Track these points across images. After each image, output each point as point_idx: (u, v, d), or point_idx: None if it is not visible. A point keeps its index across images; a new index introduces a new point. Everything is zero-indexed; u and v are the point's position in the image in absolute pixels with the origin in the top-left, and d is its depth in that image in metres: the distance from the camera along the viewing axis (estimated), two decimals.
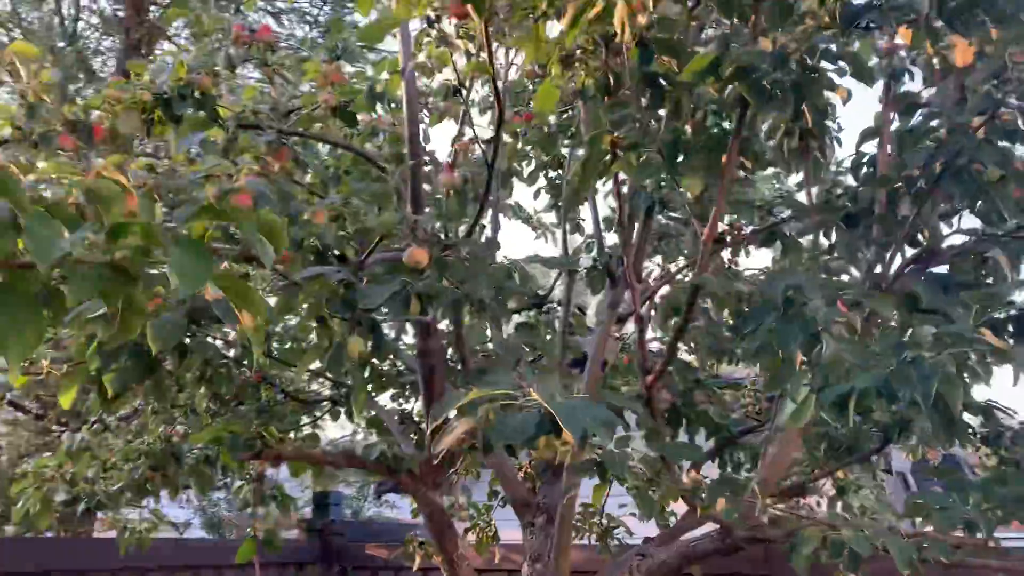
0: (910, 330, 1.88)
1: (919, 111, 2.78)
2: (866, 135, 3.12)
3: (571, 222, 4.16)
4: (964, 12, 2.21)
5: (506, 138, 3.91)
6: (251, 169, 2.77)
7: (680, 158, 2.48)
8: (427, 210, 3.15)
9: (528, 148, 4.03)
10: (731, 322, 3.09)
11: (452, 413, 1.72)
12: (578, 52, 2.92)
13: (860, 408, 1.83)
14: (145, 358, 2.01)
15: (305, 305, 2.48)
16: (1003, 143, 2.45)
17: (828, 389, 1.86)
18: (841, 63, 2.24)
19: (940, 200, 2.59)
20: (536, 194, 4.59)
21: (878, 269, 2.99)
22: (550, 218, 4.73)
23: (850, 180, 3.25)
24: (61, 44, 7.44)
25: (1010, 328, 3.47)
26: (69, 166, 2.46)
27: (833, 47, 2.21)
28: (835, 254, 3.12)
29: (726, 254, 4.21)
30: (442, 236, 2.56)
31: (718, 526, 2.96)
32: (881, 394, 1.79)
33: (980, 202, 2.55)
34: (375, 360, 2.53)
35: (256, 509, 4.68)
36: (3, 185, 0.80)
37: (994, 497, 2.49)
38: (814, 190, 3.20)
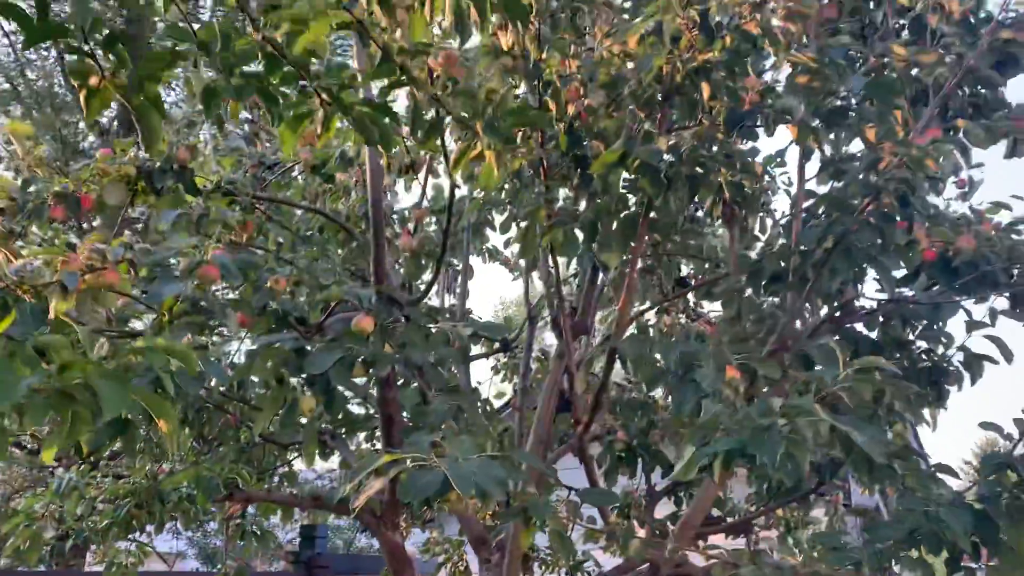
0: (775, 398, 2.17)
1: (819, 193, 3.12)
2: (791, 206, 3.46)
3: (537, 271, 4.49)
4: (837, 115, 2.53)
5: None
6: (218, 243, 3.11)
7: (599, 235, 2.80)
8: (390, 272, 3.48)
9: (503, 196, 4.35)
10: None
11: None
12: (518, 134, 3.27)
13: (727, 466, 2.13)
14: (117, 420, 2.31)
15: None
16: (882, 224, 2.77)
17: (702, 449, 2.17)
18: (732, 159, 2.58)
19: (832, 271, 2.90)
20: (506, 243, 4.93)
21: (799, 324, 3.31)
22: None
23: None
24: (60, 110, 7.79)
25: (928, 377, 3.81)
26: (56, 248, 2.79)
27: (715, 147, 2.54)
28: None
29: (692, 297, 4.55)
30: (392, 300, 2.88)
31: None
32: (743, 455, 2.09)
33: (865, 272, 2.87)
34: (329, 413, 2.83)
35: (233, 545, 4.95)
36: None
37: (879, 538, 2.79)
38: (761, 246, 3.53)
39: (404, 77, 1.53)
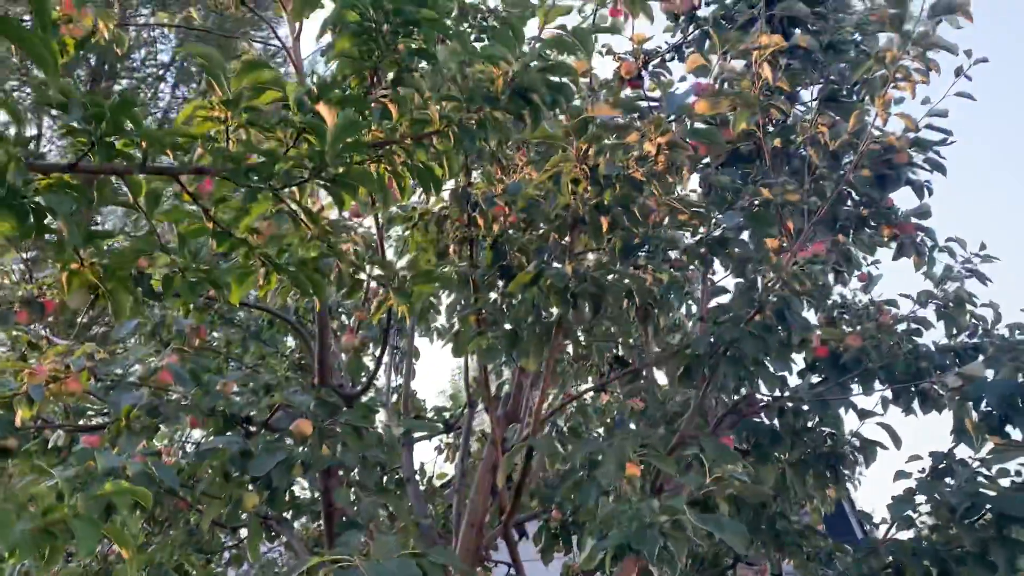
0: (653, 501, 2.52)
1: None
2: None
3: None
4: (717, 244, 2.95)
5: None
6: (174, 350, 3.41)
7: (517, 342, 3.17)
8: (334, 368, 3.79)
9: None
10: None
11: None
12: (451, 249, 3.65)
13: (616, 559, 2.45)
14: None
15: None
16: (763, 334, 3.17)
17: (598, 543, 2.49)
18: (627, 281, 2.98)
19: (722, 374, 3.29)
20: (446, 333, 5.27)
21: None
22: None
23: None
24: None
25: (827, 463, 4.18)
26: (13, 361, 3.07)
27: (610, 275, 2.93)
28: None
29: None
30: (331, 402, 3.20)
31: None
32: (631, 548, 2.42)
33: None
34: (271, 508, 3.10)
35: None
36: None
37: None
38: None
39: (331, 250, 1.87)
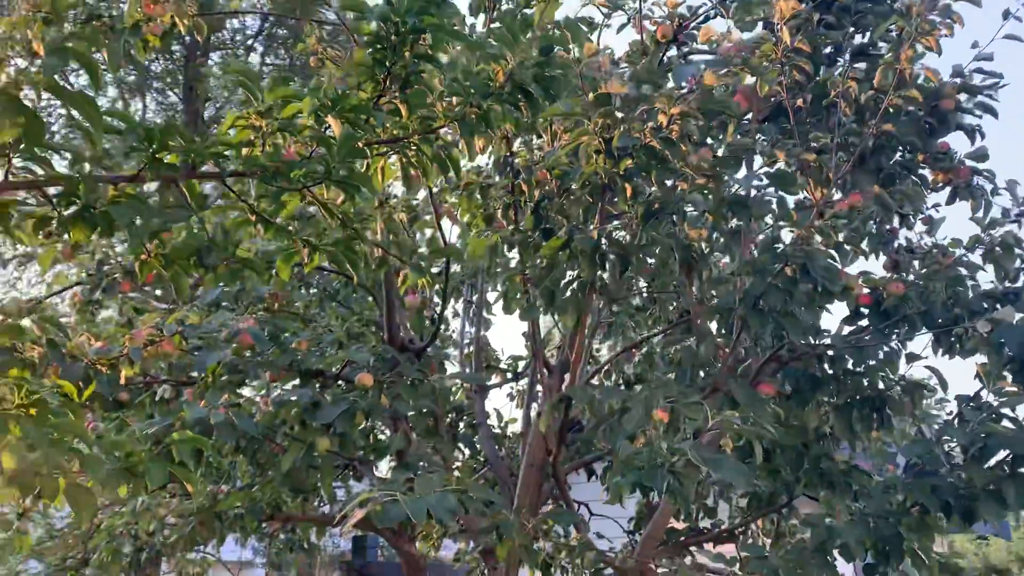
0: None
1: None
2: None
3: None
4: (738, 204, 3.13)
5: None
6: (254, 313, 3.84)
7: (554, 300, 3.45)
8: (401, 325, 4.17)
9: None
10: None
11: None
12: (497, 214, 3.94)
13: (633, 492, 2.74)
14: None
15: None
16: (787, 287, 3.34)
17: (616, 480, 2.78)
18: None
19: (749, 325, 3.48)
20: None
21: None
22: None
23: None
24: None
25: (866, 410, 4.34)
26: (117, 328, 3.53)
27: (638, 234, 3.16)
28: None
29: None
30: (395, 356, 3.57)
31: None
32: (642, 486, 2.69)
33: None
34: (342, 451, 3.52)
35: (283, 557, 5.69)
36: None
37: (793, 551, 3.37)
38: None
39: (355, 233, 2.19)
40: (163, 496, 5.84)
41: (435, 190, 3.75)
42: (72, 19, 4.43)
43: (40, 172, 1.73)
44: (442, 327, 4.31)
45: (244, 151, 2.04)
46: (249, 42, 10.63)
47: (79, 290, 4.44)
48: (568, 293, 3.43)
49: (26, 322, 3.17)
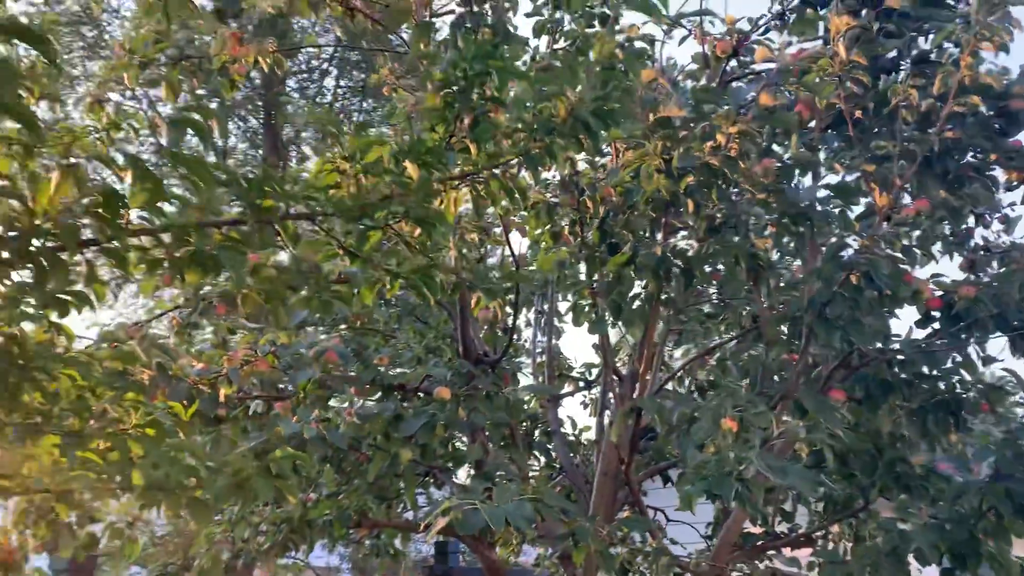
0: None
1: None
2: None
3: None
4: (800, 216, 3.22)
5: None
6: (338, 331, 4.08)
7: (620, 313, 3.59)
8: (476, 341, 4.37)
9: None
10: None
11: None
12: (565, 229, 4.10)
13: (713, 497, 2.84)
14: None
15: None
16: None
17: (686, 489, 2.90)
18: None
19: (816, 333, 3.54)
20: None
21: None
22: None
23: None
24: None
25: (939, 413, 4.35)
26: (217, 351, 3.79)
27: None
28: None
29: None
30: (471, 369, 3.76)
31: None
32: (711, 494, 2.81)
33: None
34: (423, 461, 3.72)
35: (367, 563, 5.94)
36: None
37: (866, 555, 3.42)
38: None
39: (431, 261, 2.38)
40: (256, 505, 6.17)
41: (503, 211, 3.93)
42: (164, 60, 4.76)
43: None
44: (514, 338, 4.47)
45: (331, 192, 2.25)
46: (324, 66, 11.05)
47: (178, 314, 4.77)
48: (634, 306, 3.56)
49: (133, 346, 3.46)
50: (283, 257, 2.29)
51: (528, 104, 2.33)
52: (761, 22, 4.68)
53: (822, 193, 3.40)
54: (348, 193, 2.21)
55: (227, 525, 5.76)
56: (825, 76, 3.35)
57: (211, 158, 11.39)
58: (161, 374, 3.16)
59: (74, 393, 2.48)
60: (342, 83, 11.33)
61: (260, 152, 10.60)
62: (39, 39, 1.69)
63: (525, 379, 5.92)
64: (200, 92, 4.99)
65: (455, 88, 2.30)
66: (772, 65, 3.82)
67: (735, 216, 3.23)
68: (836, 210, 3.39)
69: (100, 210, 1.61)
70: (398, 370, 3.92)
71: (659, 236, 3.45)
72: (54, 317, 2.21)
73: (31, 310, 1.87)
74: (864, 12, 4.11)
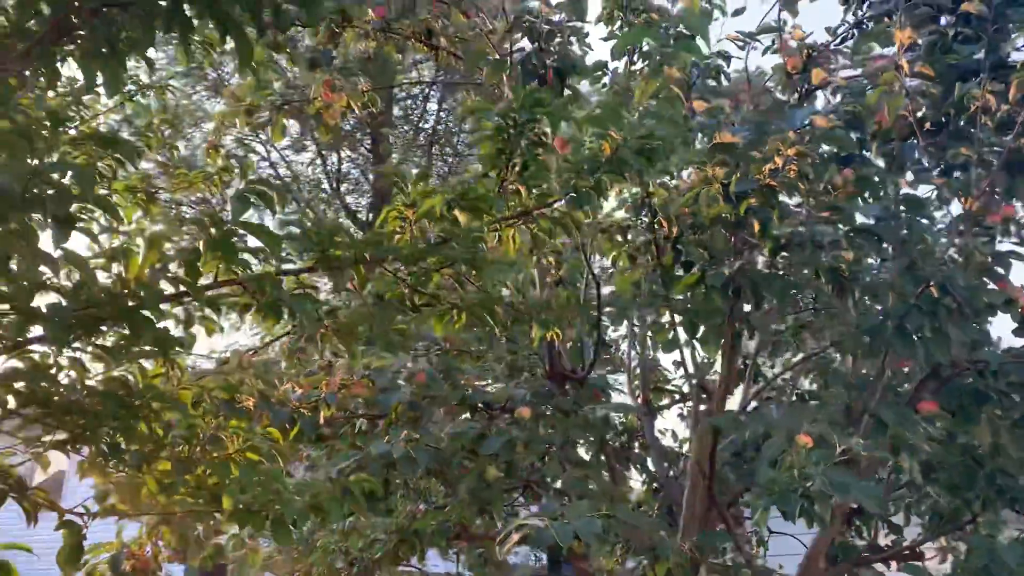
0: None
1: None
2: None
3: None
4: (863, 233, 3.22)
5: None
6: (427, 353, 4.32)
7: (696, 332, 3.67)
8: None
9: None
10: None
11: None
12: (639, 250, 4.21)
13: (783, 513, 2.89)
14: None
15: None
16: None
17: (756, 503, 2.96)
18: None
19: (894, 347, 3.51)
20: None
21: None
22: None
23: None
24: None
25: None
26: (320, 376, 4.08)
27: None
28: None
29: None
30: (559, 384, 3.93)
31: None
32: (780, 509, 2.86)
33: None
34: (509, 477, 3.91)
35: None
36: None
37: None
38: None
39: (488, 296, 2.57)
40: (369, 516, 6.51)
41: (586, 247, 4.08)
42: (270, 106, 5.15)
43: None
44: (600, 355, 4.60)
45: (397, 237, 2.47)
46: (426, 92, 11.48)
47: (287, 340, 5.15)
48: (709, 324, 3.63)
49: (240, 376, 3.79)
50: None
51: (584, 142, 2.48)
52: (840, 30, 4.67)
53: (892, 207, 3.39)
54: (410, 238, 2.42)
55: (341, 535, 6.12)
56: (892, 90, 3.35)
57: (324, 185, 12.02)
58: (263, 401, 3.47)
59: (185, 422, 2.81)
60: (444, 105, 11.74)
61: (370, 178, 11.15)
62: (116, 143, 1.99)
63: (621, 393, 6.04)
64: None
65: (506, 135, 2.48)
66: (846, 75, 3.83)
67: (801, 235, 3.27)
68: (909, 222, 3.37)
69: (182, 273, 1.88)
70: (489, 389, 4.13)
71: (731, 255, 3.52)
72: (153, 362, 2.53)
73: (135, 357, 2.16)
74: (943, 19, 4.06)
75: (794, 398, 5.83)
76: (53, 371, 2.15)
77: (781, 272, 3.40)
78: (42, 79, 1.85)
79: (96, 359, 2.15)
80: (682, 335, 4.52)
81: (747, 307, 3.67)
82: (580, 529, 2.85)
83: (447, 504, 5.86)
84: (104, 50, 1.69)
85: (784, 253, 3.32)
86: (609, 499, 3.57)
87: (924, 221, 3.39)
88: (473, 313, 2.65)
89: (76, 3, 1.63)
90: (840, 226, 3.27)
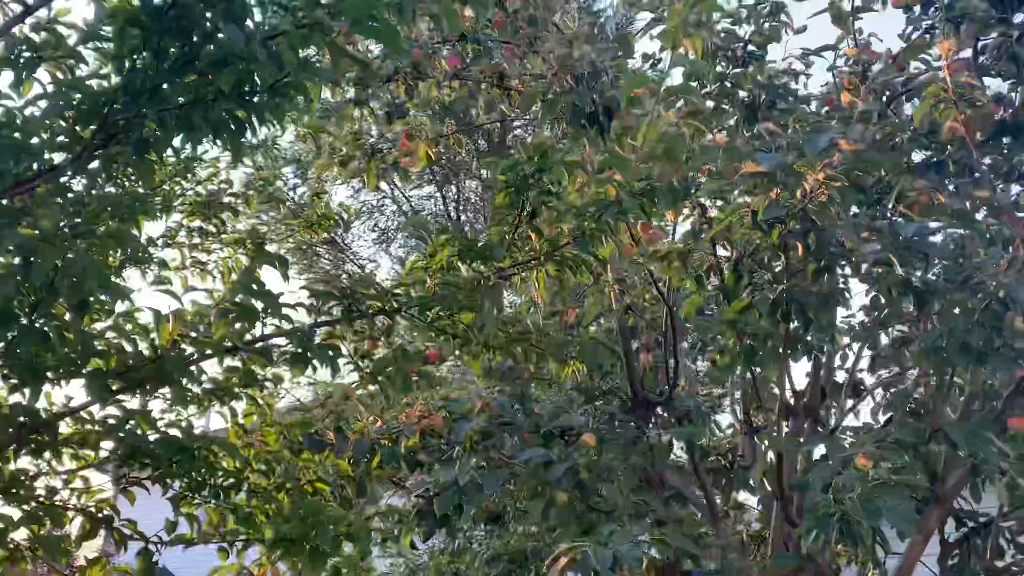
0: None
1: None
2: None
3: None
4: (913, 252, 3.17)
5: None
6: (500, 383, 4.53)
7: (754, 355, 3.69)
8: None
9: None
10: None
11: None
12: (707, 274, 4.27)
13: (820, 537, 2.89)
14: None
15: None
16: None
17: (800, 529, 2.98)
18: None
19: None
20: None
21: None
22: None
23: None
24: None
25: None
26: (400, 408, 4.35)
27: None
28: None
29: None
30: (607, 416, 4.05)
31: None
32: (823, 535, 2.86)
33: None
34: (582, 503, 4.03)
35: None
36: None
37: None
38: None
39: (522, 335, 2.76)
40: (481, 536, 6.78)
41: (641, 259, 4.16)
42: (362, 155, 5.54)
43: None
44: (679, 378, 4.65)
45: (427, 286, 2.72)
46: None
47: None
48: (768, 347, 3.65)
49: (343, 407, 4.12)
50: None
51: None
52: (914, 35, 4.56)
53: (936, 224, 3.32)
54: (432, 287, 2.65)
55: (450, 556, 6.42)
56: (939, 101, 3.30)
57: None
58: (339, 436, 3.79)
59: (263, 456, 3.15)
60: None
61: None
62: (268, 256, 2.36)
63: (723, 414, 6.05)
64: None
65: (516, 188, 2.67)
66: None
67: (838, 256, 3.26)
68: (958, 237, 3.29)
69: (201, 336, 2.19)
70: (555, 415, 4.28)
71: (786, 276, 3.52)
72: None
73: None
74: (1007, 18, 3.91)
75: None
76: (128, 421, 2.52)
77: (828, 292, 3.38)
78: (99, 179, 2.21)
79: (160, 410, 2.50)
80: None
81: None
82: (624, 555, 2.96)
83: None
84: (139, 150, 2.02)
85: (827, 274, 3.31)
86: (675, 522, 3.64)
87: (969, 233, 3.29)
88: (507, 351, 2.84)
89: (106, 118, 1.96)
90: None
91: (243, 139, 1.86)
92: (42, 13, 2.38)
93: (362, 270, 11.20)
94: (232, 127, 1.86)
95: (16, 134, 1.97)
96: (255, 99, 1.80)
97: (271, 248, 5.24)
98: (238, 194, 4.74)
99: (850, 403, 4.99)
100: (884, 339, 5.20)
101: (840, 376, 4.97)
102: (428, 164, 5.41)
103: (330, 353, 2.44)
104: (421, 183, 11.85)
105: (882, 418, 4.07)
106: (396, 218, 12.45)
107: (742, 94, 4.71)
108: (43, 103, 2.03)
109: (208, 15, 1.79)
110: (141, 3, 1.78)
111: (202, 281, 4.91)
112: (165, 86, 1.82)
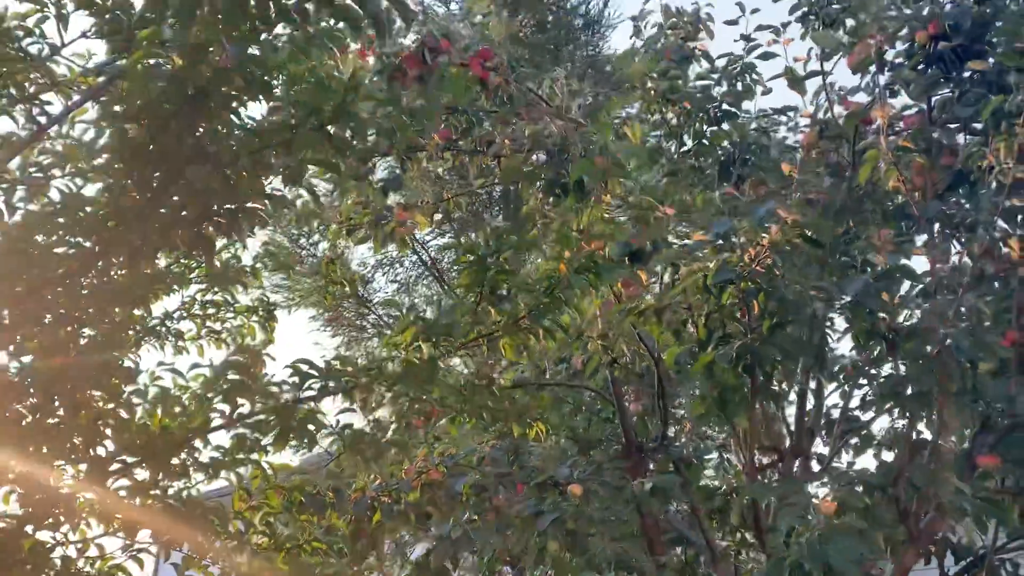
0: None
1: None
2: None
3: None
4: (854, 309, 3.39)
5: None
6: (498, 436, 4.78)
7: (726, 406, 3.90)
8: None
9: None
10: None
11: None
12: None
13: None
14: None
15: None
16: None
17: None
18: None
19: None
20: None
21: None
22: None
23: None
24: None
25: None
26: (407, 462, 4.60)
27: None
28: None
29: None
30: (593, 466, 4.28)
31: None
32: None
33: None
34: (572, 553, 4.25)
35: None
36: None
37: None
38: None
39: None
40: None
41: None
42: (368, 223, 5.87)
43: None
44: (668, 426, 4.86)
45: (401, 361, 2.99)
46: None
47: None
48: (736, 398, 3.86)
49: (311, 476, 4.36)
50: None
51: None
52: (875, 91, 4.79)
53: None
54: (404, 363, 2.94)
55: None
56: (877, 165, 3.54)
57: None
58: (338, 496, 4.05)
59: (265, 518, 3.43)
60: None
61: None
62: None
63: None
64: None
65: (478, 268, 2.96)
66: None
67: (791, 312, 3.49)
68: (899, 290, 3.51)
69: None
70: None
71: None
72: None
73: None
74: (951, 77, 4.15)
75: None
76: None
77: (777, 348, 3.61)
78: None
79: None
80: None
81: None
82: None
83: None
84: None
85: (780, 331, 3.54)
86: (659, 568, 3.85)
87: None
88: (477, 415, 3.10)
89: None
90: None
91: (214, 253, 2.17)
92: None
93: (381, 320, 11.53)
94: (204, 242, 2.17)
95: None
96: (220, 220, 2.11)
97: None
98: (246, 269, 5.08)
99: (840, 442, 5.17)
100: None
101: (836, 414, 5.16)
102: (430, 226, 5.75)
103: (310, 427, 2.73)
104: (442, 232, 12.21)
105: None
106: (416, 268, 12.87)
107: (719, 151, 5.00)
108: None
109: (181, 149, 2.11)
110: (122, 143, 2.12)
111: (217, 349, 5.25)
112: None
